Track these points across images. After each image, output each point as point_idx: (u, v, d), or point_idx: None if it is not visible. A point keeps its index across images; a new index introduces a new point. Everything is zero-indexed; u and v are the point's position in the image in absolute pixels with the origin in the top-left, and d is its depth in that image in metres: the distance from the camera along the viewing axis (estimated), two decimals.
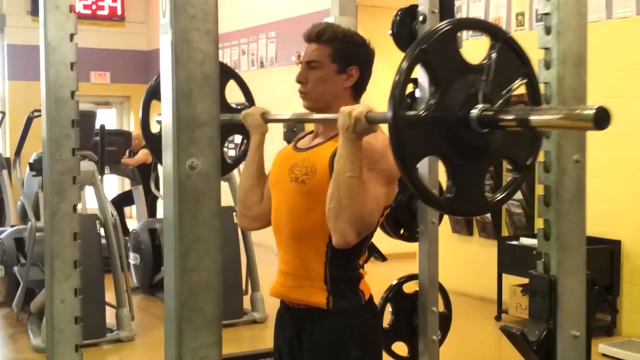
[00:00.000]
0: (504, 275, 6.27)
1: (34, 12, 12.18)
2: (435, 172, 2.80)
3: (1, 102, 12.37)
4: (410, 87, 3.10)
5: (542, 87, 2.00)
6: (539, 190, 2.06)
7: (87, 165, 5.50)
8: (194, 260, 1.51)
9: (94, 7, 13.00)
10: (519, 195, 6.51)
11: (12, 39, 12.32)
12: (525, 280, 6.21)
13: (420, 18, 2.81)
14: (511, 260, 6.19)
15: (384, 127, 1.82)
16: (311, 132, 2.47)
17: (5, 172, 8.01)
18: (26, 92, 10.96)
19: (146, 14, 13.45)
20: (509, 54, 1.76)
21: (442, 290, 3.13)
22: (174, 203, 1.49)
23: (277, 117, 2.68)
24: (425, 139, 1.69)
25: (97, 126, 6.56)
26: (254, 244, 6.30)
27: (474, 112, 1.67)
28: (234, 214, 6.15)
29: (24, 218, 8.23)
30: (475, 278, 6.93)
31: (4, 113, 10.41)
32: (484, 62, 1.73)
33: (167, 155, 1.51)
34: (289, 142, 7.30)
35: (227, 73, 2.88)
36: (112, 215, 5.64)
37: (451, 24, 1.73)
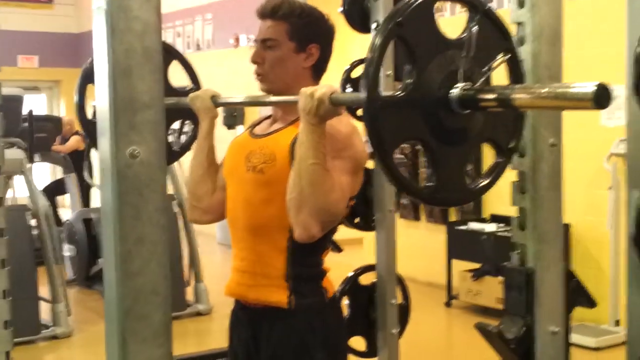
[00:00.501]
0: (453, 260, 6.17)
1: None
2: None
3: None
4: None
5: None
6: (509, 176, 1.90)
7: (14, 153, 5.19)
8: (138, 262, 1.30)
9: None
10: None
11: None
12: (475, 265, 6.17)
13: None
14: (460, 245, 6.09)
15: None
16: (269, 117, 2.28)
17: None
18: None
19: None
20: (488, 28, 1.58)
21: (400, 281, 2.98)
22: (113, 197, 1.28)
23: (229, 100, 2.47)
24: (404, 123, 1.50)
25: (25, 112, 6.23)
26: (196, 232, 6.07)
27: (455, 91, 1.49)
28: (174, 202, 5.93)
29: None
30: (423, 264, 6.82)
31: None
32: (463, 36, 1.56)
33: (104, 142, 1.30)
34: (229, 127, 7.06)
35: (169, 53, 2.67)
36: (44, 206, 5.34)
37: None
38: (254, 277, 2.15)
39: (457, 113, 1.49)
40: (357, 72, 2.90)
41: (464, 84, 1.49)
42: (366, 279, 2.87)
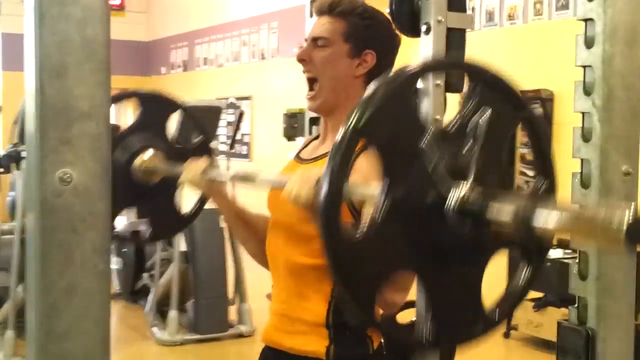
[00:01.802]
0: None
1: None
2: None
3: None
4: None
5: (580, 72, 1.49)
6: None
7: None
8: (66, 320, 1.00)
9: None
10: None
11: (8, 27, 11.83)
12: (537, 295, 5.74)
13: None
14: None
15: None
16: (317, 137, 1.99)
17: None
18: (22, 84, 10.46)
19: (147, 3, 12.97)
20: (495, 98, 1.22)
21: None
22: (37, 235, 0.99)
23: (218, 177, 2.03)
24: (387, 254, 1.16)
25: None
26: (242, 250, 5.79)
27: (451, 202, 1.14)
28: (221, 216, 5.67)
29: (12, 215, 7.86)
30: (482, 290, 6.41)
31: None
32: (457, 117, 1.21)
33: (29, 162, 1.01)
34: (288, 139, 6.64)
35: (170, 104, 2.35)
36: None
37: (399, 79, 1.21)
38: (293, 323, 1.85)
39: (459, 225, 1.14)
40: None
41: (461, 191, 1.13)
42: (404, 317, 2.52)
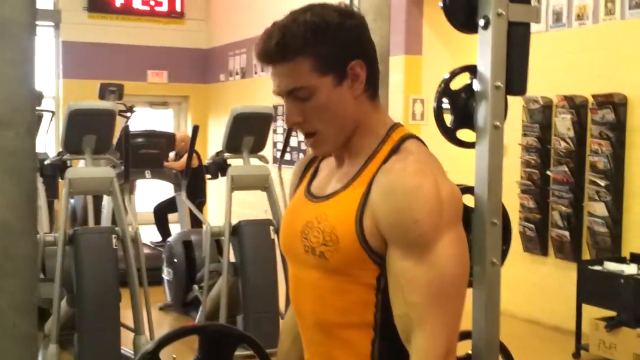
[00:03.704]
0: (584, 305, 5.38)
1: (91, 8, 11.81)
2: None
3: (55, 100, 11.96)
4: (466, 78, 2.34)
5: None
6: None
7: (102, 172, 4.87)
8: None
9: (152, 3, 12.49)
10: (603, 211, 5.63)
11: (68, 35, 11.90)
12: (610, 313, 5.37)
13: None
14: (593, 287, 5.30)
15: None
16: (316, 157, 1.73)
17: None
18: (81, 91, 10.49)
19: (206, 11, 12.90)
20: None
21: (504, 350, 2.35)
22: None
23: None
24: None
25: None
26: None
27: None
28: (272, 228, 5.46)
29: (73, 221, 7.84)
30: (549, 305, 6.06)
31: (53, 112, 9.94)
32: None
33: None
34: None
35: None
36: (132, 228, 4.98)
37: None
38: None
39: None
40: (459, 82, 2.31)
41: None
42: (460, 349, 2.26)
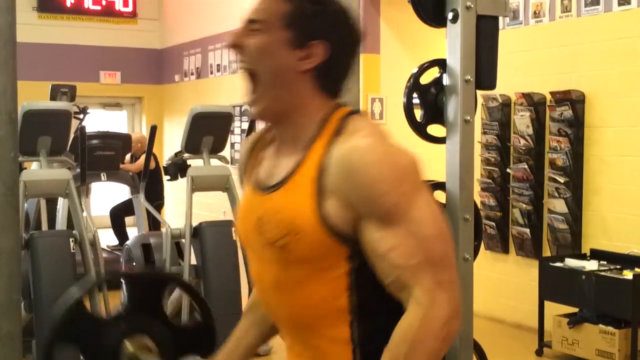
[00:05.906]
0: (546, 302, 5.41)
1: (41, 8, 11.60)
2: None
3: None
4: (435, 72, 2.32)
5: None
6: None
7: (58, 174, 4.75)
8: None
9: (104, 2, 12.31)
10: (563, 208, 5.67)
11: (17, 36, 11.65)
12: (572, 309, 5.41)
13: None
14: (555, 284, 5.33)
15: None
16: (260, 139, 1.69)
17: None
18: (32, 93, 10.28)
19: (159, 11, 12.75)
20: None
21: (477, 348, 2.32)
22: None
23: None
24: None
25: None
26: None
27: None
28: (234, 229, 5.38)
29: (27, 225, 7.66)
30: (512, 303, 6.09)
31: None
32: None
33: None
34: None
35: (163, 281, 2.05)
36: (88, 231, 4.86)
37: None
38: None
39: None
40: (428, 76, 2.28)
41: None
42: None
